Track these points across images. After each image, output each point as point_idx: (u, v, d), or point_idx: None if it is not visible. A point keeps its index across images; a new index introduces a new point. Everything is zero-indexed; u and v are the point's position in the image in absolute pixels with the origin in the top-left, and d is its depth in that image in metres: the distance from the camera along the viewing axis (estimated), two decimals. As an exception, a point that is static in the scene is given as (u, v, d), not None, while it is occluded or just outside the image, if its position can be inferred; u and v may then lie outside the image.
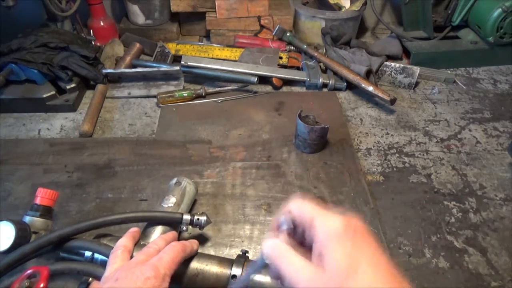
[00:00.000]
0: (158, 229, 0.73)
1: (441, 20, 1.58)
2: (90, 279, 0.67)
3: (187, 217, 0.74)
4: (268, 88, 1.37)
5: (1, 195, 0.91)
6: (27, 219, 0.71)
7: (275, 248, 0.38)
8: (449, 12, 1.54)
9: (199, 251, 0.79)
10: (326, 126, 1.00)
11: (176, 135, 1.12)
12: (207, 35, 1.68)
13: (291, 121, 1.12)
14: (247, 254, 0.70)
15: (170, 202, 0.79)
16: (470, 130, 1.19)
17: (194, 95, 1.27)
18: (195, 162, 1.02)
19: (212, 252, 0.79)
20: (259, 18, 1.57)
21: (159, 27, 1.64)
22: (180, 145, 1.08)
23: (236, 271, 0.64)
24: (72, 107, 1.23)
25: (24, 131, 1.16)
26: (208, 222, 0.76)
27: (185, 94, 1.26)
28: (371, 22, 1.86)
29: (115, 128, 1.17)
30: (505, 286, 0.76)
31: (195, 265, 0.66)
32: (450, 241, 0.84)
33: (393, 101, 1.24)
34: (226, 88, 1.32)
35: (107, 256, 0.65)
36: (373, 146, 1.11)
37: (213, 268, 0.66)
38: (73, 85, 1.26)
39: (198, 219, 0.75)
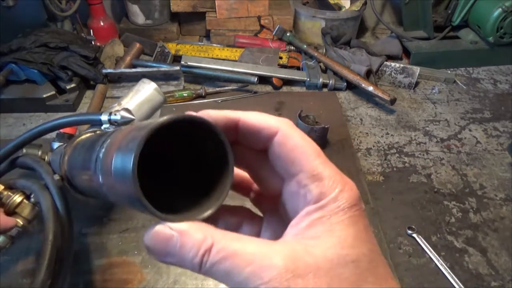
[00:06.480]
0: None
1: (441, 20, 1.58)
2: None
3: (105, 117, 0.64)
4: (268, 88, 1.36)
5: (1, 195, 0.90)
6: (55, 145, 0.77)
7: None
8: (449, 12, 1.54)
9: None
10: (326, 126, 1.00)
11: (176, 135, 1.12)
12: (207, 35, 1.68)
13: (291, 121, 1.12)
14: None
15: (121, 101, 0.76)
16: (470, 130, 1.19)
17: (194, 95, 1.27)
18: (195, 162, 1.02)
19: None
20: (259, 18, 1.57)
21: (159, 27, 1.64)
22: (180, 145, 1.08)
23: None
24: (72, 107, 1.23)
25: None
26: (125, 118, 0.64)
27: (185, 94, 1.26)
28: (371, 22, 1.86)
29: (115, 128, 1.17)
30: (505, 286, 0.76)
31: None
32: (450, 241, 0.84)
33: (393, 101, 1.23)
34: (226, 88, 1.32)
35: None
36: (373, 146, 1.11)
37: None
38: (73, 85, 1.26)
39: (115, 114, 0.63)
